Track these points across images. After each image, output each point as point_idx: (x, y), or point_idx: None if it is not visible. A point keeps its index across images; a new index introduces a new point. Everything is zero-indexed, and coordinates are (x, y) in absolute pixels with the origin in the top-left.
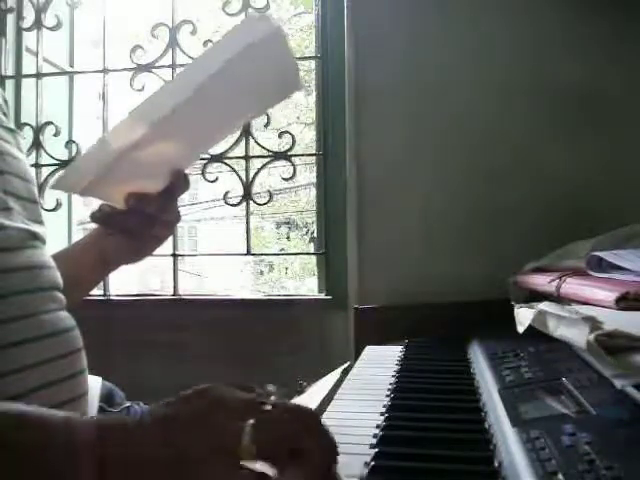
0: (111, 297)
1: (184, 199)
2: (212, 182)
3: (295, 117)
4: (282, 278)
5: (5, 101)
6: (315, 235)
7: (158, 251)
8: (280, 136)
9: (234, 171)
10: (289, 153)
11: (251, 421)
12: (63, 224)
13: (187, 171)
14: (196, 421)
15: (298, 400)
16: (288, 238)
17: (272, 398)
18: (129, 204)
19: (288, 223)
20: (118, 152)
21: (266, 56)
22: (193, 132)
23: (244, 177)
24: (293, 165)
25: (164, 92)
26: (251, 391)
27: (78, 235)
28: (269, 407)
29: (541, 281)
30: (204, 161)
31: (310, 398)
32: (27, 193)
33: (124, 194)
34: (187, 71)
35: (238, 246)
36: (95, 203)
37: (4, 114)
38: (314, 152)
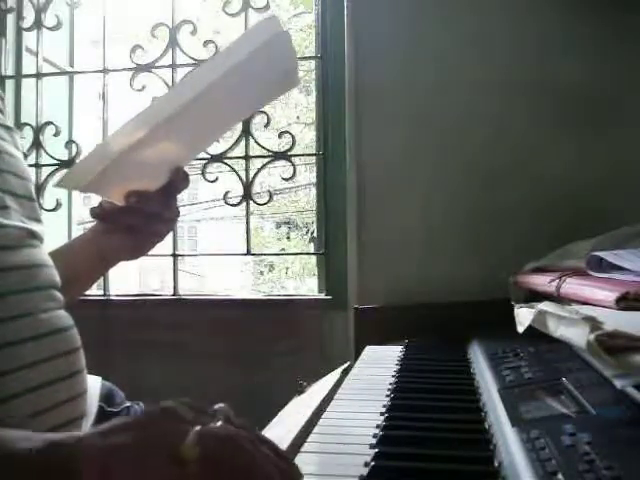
0: (111, 297)
1: (184, 199)
2: (212, 182)
3: (295, 117)
4: (282, 278)
5: (2, 98)
6: (315, 235)
7: (158, 251)
8: (280, 136)
9: (234, 171)
10: (289, 153)
11: (198, 427)
12: (63, 224)
13: (187, 169)
14: (147, 423)
15: (298, 400)
16: (288, 238)
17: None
18: (129, 201)
19: (288, 223)
20: (119, 152)
21: (271, 57)
22: (194, 132)
23: (244, 177)
24: (293, 165)
25: (167, 97)
26: (202, 409)
27: (77, 235)
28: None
29: (541, 281)
30: (204, 161)
31: (310, 398)
32: (24, 191)
33: (124, 191)
34: (193, 76)
35: (238, 246)
36: (95, 200)
37: (1, 111)
38: (314, 152)
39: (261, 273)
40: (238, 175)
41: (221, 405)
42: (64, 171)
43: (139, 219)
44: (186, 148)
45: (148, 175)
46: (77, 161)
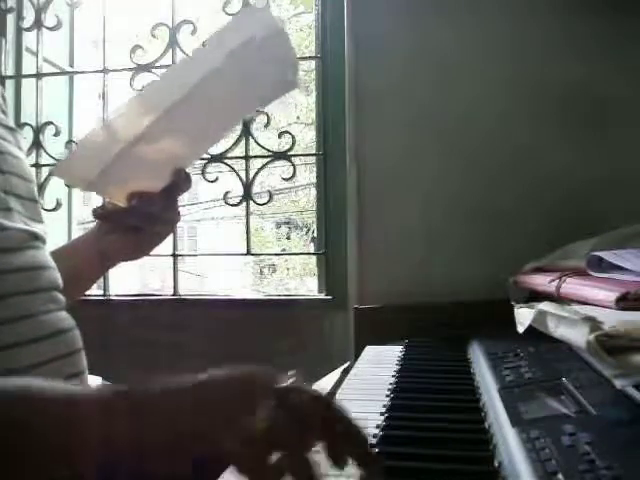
0: (111, 297)
1: (184, 199)
2: (212, 182)
3: (295, 117)
4: (283, 279)
5: (4, 99)
6: (315, 235)
7: (158, 251)
8: (280, 136)
9: (234, 171)
10: (289, 153)
11: (273, 402)
12: (63, 224)
13: (188, 170)
14: (224, 386)
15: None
16: (288, 238)
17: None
18: (131, 202)
19: (288, 223)
20: (123, 143)
21: (269, 53)
22: (195, 130)
23: (244, 177)
24: (293, 165)
25: (166, 82)
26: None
27: (78, 235)
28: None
29: (541, 281)
30: (204, 161)
31: None
32: (27, 192)
33: (127, 192)
34: (191, 61)
35: (238, 246)
36: (95, 200)
37: (3, 112)
38: (314, 152)
39: (261, 273)
40: (238, 175)
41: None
42: (63, 160)
43: (140, 220)
44: (187, 148)
45: (150, 176)
46: (77, 148)
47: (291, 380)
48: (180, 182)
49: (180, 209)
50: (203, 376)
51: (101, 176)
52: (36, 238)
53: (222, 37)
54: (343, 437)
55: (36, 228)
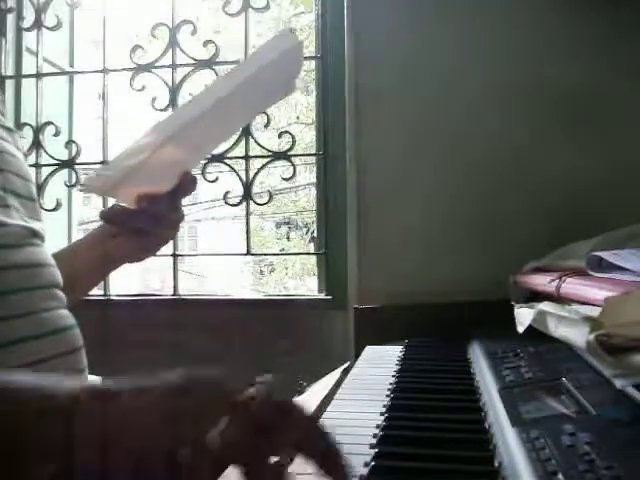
0: (111, 297)
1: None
2: (212, 182)
3: (295, 117)
4: (283, 278)
5: (3, 101)
6: (315, 235)
7: (158, 251)
8: (280, 136)
9: (234, 171)
10: (289, 153)
11: (233, 414)
12: (63, 224)
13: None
14: (183, 393)
15: (298, 400)
16: (288, 238)
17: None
18: (141, 204)
19: (288, 223)
20: (141, 160)
21: (283, 67)
22: (207, 137)
23: (244, 177)
24: (293, 165)
25: (188, 105)
26: (241, 388)
27: (78, 235)
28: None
29: (541, 281)
30: (204, 161)
31: (310, 398)
32: (26, 191)
33: (136, 194)
34: (212, 87)
35: (238, 246)
36: (96, 201)
37: (1, 113)
38: (314, 152)
39: (261, 273)
40: (238, 175)
41: (264, 380)
42: (91, 176)
43: (148, 222)
44: (197, 152)
45: (161, 179)
46: (105, 166)
47: (258, 385)
48: (187, 184)
49: (184, 210)
50: (173, 379)
51: (120, 182)
52: (35, 235)
53: (248, 62)
54: (312, 445)
55: (35, 226)
